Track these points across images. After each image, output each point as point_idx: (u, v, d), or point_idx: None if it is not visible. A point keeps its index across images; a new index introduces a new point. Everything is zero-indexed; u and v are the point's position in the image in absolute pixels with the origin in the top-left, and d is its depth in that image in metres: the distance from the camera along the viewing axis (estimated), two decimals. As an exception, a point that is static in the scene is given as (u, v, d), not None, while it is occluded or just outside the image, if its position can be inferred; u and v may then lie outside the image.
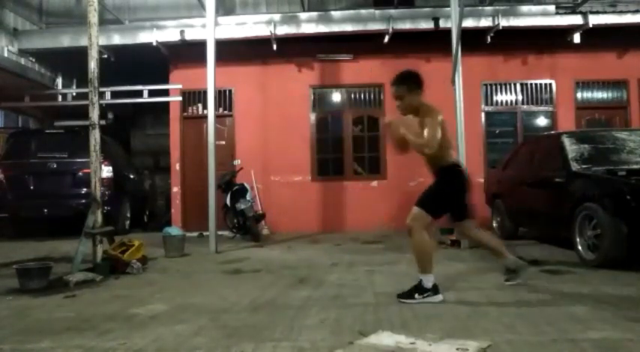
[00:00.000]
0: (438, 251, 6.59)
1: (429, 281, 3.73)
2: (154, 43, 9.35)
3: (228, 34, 9.05)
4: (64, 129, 9.89)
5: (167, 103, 10.11)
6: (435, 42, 8.99)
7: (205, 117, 7.60)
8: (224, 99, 9.91)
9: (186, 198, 9.92)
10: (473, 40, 8.69)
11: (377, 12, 9.58)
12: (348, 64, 9.91)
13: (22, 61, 9.67)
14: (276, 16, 9.57)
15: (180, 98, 9.96)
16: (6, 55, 9.18)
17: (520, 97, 9.97)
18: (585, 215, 5.13)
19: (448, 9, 7.05)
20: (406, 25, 9.32)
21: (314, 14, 9.68)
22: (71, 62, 9.72)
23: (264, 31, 9.33)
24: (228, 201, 8.39)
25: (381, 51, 9.66)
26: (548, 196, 6.12)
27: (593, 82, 9.96)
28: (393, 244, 7.30)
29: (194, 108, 10.03)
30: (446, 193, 3.90)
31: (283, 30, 9.38)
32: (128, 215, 9.84)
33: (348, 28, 9.40)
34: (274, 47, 9.49)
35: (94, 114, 5.55)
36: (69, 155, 8.88)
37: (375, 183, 9.86)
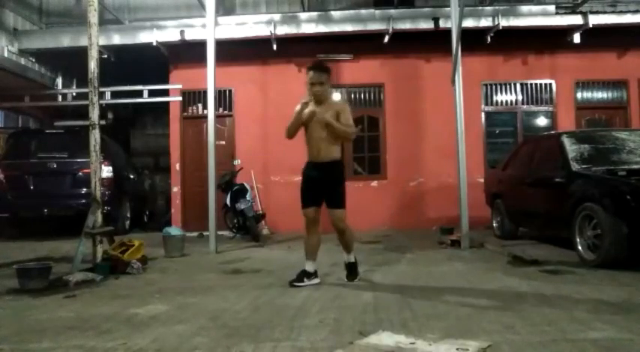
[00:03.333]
0: (439, 249, 6.62)
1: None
2: (154, 43, 9.35)
3: (228, 34, 9.04)
4: (64, 129, 9.89)
5: (167, 103, 10.10)
6: (435, 42, 9.00)
7: (205, 117, 7.60)
8: (224, 99, 9.90)
9: (186, 198, 9.91)
10: (473, 40, 8.70)
11: (377, 12, 9.59)
12: (348, 64, 9.91)
13: (22, 61, 9.67)
14: (276, 16, 9.57)
15: (180, 98, 9.96)
16: (6, 55, 9.18)
17: (520, 97, 9.97)
18: (585, 215, 5.12)
19: (448, 9, 7.05)
20: (406, 25, 9.33)
21: (314, 14, 9.68)
22: (71, 62, 9.73)
23: (264, 31, 9.33)
24: (228, 201, 8.39)
25: (381, 51, 9.66)
26: (549, 196, 6.12)
27: (593, 82, 9.96)
28: (393, 244, 7.30)
29: (194, 108, 10.02)
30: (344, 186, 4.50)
31: (283, 30, 9.38)
32: (128, 215, 9.84)
33: (348, 28, 9.40)
34: (274, 47, 9.48)
35: (94, 114, 5.55)
36: (69, 155, 8.86)
37: (375, 183, 9.86)
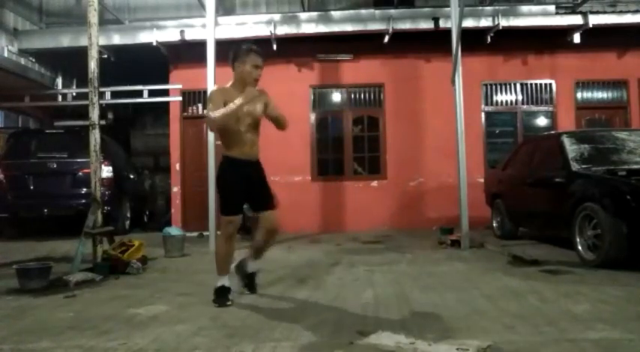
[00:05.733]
0: (438, 250, 6.63)
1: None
2: (154, 43, 9.34)
3: (228, 34, 9.02)
4: (64, 129, 9.89)
5: (167, 103, 10.10)
6: (435, 42, 9.00)
7: (205, 117, 7.59)
8: (224, 99, 9.88)
9: (186, 198, 9.91)
10: (473, 40, 8.70)
11: (377, 12, 9.58)
12: (348, 63, 9.91)
13: (22, 61, 9.66)
14: (276, 16, 9.57)
15: (180, 98, 9.95)
16: (6, 55, 9.18)
17: (520, 97, 9.97)
18: (585, 215, 5.12)
19: (448, 9, 7.04)
20: (406, 25, 9.33)
21: (314, 14, 9.68)
22: (71, 62, 9.73)
23: (264, 31, 9.33)
24: (228, 201, 8.38)
25: (381, 51, 9.66)
26: (548, 196, 6.12)
27: (593, 82, 9.96)
28: (393, 244, 7.30)
29: (194, 108, 10.03)
30: None
31: (283, 30, 9.38)
32: (128, 215, 9.85)
33: (348, 28, 9.40)
34: (274, 47, 9.48)
35: (94, 114, 5.56)
36: (69, 155, 8.87)
37: (375, 183, 9.86)
